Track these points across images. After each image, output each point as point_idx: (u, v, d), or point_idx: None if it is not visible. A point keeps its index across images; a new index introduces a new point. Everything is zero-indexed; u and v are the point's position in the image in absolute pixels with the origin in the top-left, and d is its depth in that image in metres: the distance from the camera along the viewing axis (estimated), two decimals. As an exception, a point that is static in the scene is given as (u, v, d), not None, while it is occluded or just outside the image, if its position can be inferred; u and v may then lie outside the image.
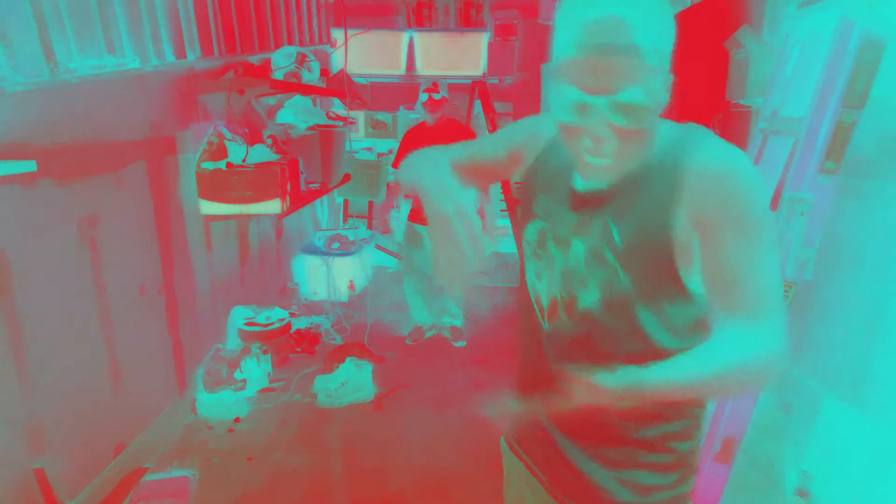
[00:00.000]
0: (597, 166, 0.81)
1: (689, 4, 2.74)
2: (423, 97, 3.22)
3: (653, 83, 0.75)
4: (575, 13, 0.75)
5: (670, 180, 0.81)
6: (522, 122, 1.09)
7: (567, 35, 0.76)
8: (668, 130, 0.85)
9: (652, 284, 0.83)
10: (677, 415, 0.91)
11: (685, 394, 0.86)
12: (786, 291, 1.61)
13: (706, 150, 0.81)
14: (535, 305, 0.96)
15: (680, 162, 0.81)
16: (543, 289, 0.94)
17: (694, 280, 0.83)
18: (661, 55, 0.76)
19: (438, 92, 3.21)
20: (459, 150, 1.12)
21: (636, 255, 0.83)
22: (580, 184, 0.90)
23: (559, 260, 0.91)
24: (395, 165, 3.47)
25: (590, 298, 0.87)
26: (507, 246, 4.88)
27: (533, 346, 0.99)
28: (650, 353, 0.84)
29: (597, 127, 0.77)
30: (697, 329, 0.87)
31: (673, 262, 0.81)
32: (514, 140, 1.07)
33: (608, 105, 0.75)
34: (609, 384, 0.77)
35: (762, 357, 0.81)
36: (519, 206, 1.01)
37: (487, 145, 1.12)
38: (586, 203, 0.88)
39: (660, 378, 0.80)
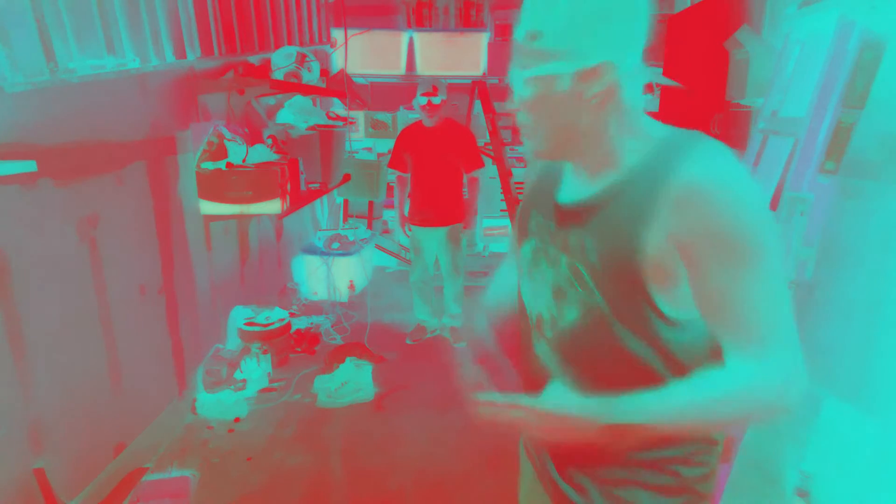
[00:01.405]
0: (526, 140, 0.85)
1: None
2: (422, 101, 3.18)
3: (557, 68, 0.76)
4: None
5: (648, 193, 0.75)
6: None
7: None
8: (661, 136, 0.80)
9: (627, 306, 0.78)
10: (679, 440, 0.85)
11: (677, 426, 0.79)
12: (786, 291, 1.61)
13: (694, 161, 0.74)
14: (533, 324, 0.94)
15: (663, 173, 0.75)
16: (535, 306, 0.92)
17: (675, 305, 0.77)
18: (561, 46, 0.76)
19: (437, 96, 3.17)
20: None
21: (608, 273, 0.79)
22: (563, 197, 0.88)
23: (549, 277, 0.88)
24: (390, 164, 3.46)
25: (570, 316, 0.85)
26: (507, 246, 4.87)
27: (527, 361, 0.97)
28: (642, 379, 0.79)
29: (516, 100, 0.82)
30: (701, 357, 0.81)
31: (643, 284, 0.76)
32: None
33: (519, 77, 0.80)
34: (570, 414, 0.74)
35: (764, 391, 0.76)
36: (518, 228, 0.99)
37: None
38: (569, 217, 0.86)
39: (639, 408, 0.75)
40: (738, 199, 0.72)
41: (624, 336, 0.80)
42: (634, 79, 0.80)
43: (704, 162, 0.74)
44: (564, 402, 0.76)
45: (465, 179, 3.41)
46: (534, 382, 0.94)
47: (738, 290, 0.73)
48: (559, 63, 0.75)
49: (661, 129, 0.81)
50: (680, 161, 0.74)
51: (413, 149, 3.31)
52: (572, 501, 0.93)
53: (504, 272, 1.15)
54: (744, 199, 0.73)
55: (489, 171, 3.77)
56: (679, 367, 0.80)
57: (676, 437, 0.84)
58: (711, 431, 0.85)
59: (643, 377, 0.80)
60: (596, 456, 0.88)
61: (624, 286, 0.78)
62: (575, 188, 0.86)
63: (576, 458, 0.92)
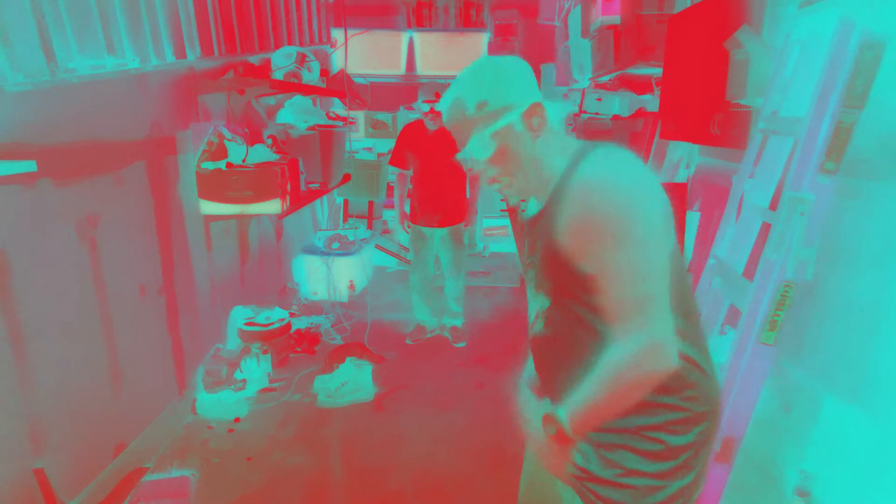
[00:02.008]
0: (497, 189, 1.06)
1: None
2: (425, 108, 3.18)
3: (509, 118, 0.99)
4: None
5: (560, 194, 0.97)
6: None
7: None
8: (575, 147, 1.00)
9: (565, 285, 1.00)
10: (649, 408, 0.98)
11: (607, 412, 0.97)
12: (786, 291, 1.61)
13: (587, 163, 0.95)
14: (530, 320, 1.14)
15: (568, 175, 0.96)
16: (532, 303, 1.13)
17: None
18: (488, 110, 0.99)
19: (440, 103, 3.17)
20: None
21: (547, 264, 1.01)
22: (528, 211, 1.09)
23: (532, 277, 1.10)
24: (391, 162, 3.46)
25: (545, 304, 1.06)
26: (507, 246, 4.88)
27: (532, 357, 1.19)
28: (597, 341, 0.96)
29: (473, 165, 1.04)
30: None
31: (570, 267, 0.95)
32: None
33: (467, 151, 1.02)
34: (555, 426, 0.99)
35: (631, 364, 0.91)
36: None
37: None
38: (531, 227, 1.07)
39: (575, 408, 0.97)
40: (612, 187, 0.91)
41: (583, 313, 0.99)
42: (551, 109, 1.03)
43: (593, 162, 0.95)
44: (537, 428, 1.04)
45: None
46: (537, 374, 1.18)
47: (608, 266, 0.91)
48: (509, 114, 0.99)
49: (577, 143, 1.02)
50: (579, 165, 0.95)
51: (416, 149, 3.31)
52: (578, 466, 1.05)
53: None
54: (618, 185, 0.91)
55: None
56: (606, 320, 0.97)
57: (645, 406, 0.97)
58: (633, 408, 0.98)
59: (589, 336, 0.99)
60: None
61: (557, 271, 0.99)
62: (533, 203, 1.07)
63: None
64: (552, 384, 1.10)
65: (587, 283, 0.95)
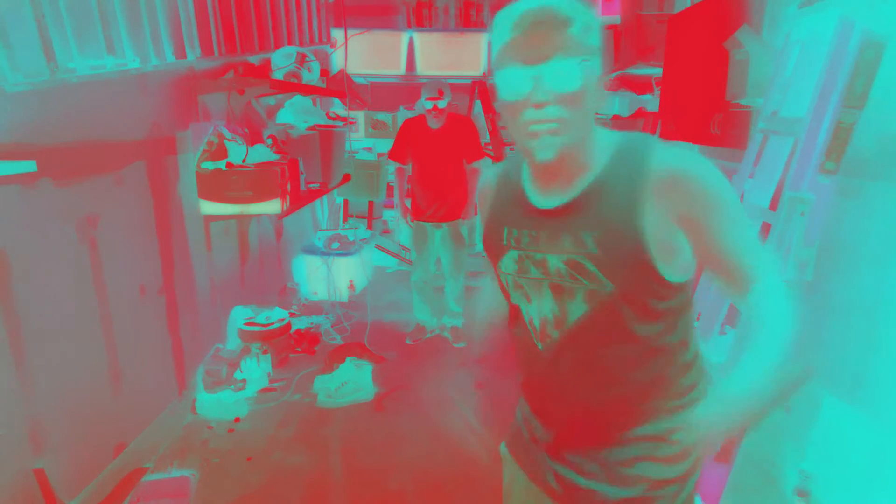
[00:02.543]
0: (542, 132, 0.83)
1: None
2: (428, 105, 3.18)
3: (581, 56, 0.81)
4: (512, 7, 0.83)
5: (632, 185, 0.86)
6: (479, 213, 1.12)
7: (505, 24, 0.82)
8: (611, 140, 0.90)
9: (634, 284, 0.88)
10: (675, 410, 0.94)
11: (775, 389, 0.93)
12: (786, 291, 1.61)
13: (660, 154, 0.87)
14: (530, 328, 0.98)
15: (637, 168, 0.86)
16: (535, 311, 0.96)
17: (676, 272, 0.88)
18: (588, 41, 0.82)
19: (443, 100, 3.17)
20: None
21: (614, 258, 0.87)
22: (541, 202, 0.93)
23: (543, 279, 0.93)
24: (391, 156, 3.46)
25: (579, 310, 0.91)
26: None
27: (530, 367, 1.02)
28: (633, 350, 0.91)
29: (537, 93, 0.81)
30: (668, 314, 0.92)
31: (650, 260, 0.86)
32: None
33: (544, 72, 0.80)
34: (718, 424, 0.84)
35: (788, 321, 0.86)
36: (489, 249, 1.03)
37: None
38: (551, 218, 0.91)
39: (747, 388, 0.85)
40: (707, 172, 0.86)
41: (630, 319, 0.89)
42: None
43: (670, 153, 0.87)
44: (718, 419, 0.85)
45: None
46: (541, 388, 1.02)
47: (729, 237, 0.87)
48: (597, 58, 0.84)
49: (610, 131, 0.92)
50: (649, 156, 0.86)
51: (417, 146, 3.31)
52: (576, 485, 0.97)
53: (485, 295, 1.20)
54: (709, 171, 0.86)
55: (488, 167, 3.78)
56: (652, 327, 0.91)
57: (664, 410, 0.93)
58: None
59: (635, 348, 0.91)
60: (597, 439, 0.97)
61: (630, 266, 0.86)
62: (549, 193, 0.92)
63: (573, 443, 0.99)
64: (567, 414, 0.98)
65: (661, 272, 0.86)
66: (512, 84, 0.83)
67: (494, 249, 1.01)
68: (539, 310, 0.95)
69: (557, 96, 0.81)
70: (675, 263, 0.88)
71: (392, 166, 3.57)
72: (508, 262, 0.97)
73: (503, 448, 1.15)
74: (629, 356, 0.91)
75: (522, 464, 1.09)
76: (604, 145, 0.89)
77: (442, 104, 3.16)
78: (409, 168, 3.43)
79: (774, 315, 0.86)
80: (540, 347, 0.97)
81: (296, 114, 3.46)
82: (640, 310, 0.89)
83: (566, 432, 0.99)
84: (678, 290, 0.91)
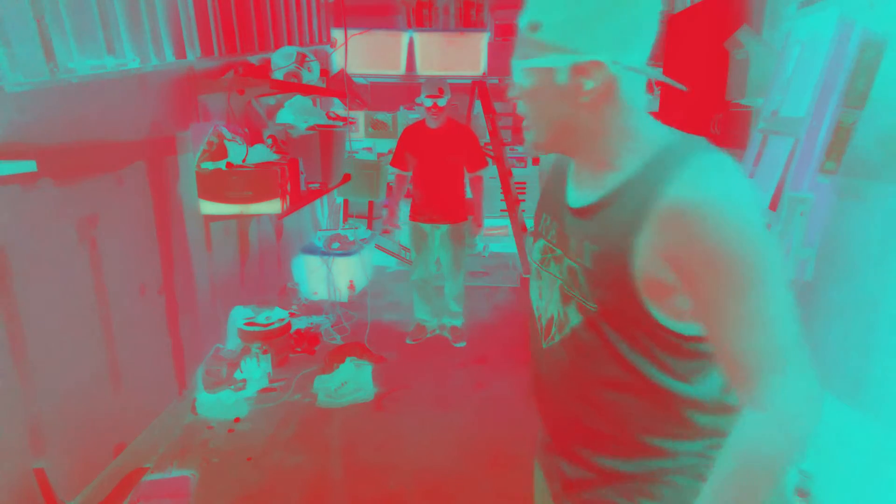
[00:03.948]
0: (525, 132, 0.84)
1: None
2: (428, 102, 3.18)
3: (554, 61, 0.76)
4: None
5: (641, 202, 0.73)
6: None
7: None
8: (657, 141, 0.77)
9: (619, 312, 0.77)
10: (665, 453, 0.83)
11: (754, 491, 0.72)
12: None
13: (686, 177, 0.71)
14: (538, 324, 0.94)
15: (656, 184, 0.73)
16: (543, 307, 0.92)
17: (674, 317, 0.76)
18: (561, 41, 0.76)
19: (444, 98, 3.17)
20: None
21: (600, 277, 0.78)
22: (573, 199, 0.87)
23: (557, 277, 0.88)
24: (392, 163, 3.46)
25: (575, 319, 0.83)
26: (507, 246, 4.88)
27: (534, 363, 0.97)
28: (622, 375, 0.80)
29: (511, 89, 0.83)
30: (669, 361, 0.79)
31: (635, 292, 0.74)
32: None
33: (514, 69, 0.81)
34: None
35: (775, 436, 0.70)
36: (534, 225, 0.99)
37: None
38: (574, 219, 0.85)
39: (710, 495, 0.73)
40: (729, 219, 0.69)
41: (617, 343, 0.79)
42: (635, 79, 0.78)
43: (696, 179, 0.70)
44: None
45: (466, 180, 3.42)
46: (541, 385, 0.96)
47: (735, 317, 0.70)
48: (556, 56, 0.75)
49: (663, 133, 0.78)
50: (673, 174, 0.71)
51: (417, 149, 3.31)
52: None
53: None
54: (737, 216, 0.69)
55: (489, 170, 3.79)
56: (677, 378, 0.79)
57: (658, 452, 0.84)
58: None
59: (639, 385, 0.80)
60: (580, 454, 0.90)
61: (614, 291, 0.76)
62: (580, 190, 0.85)
63: (563, 449, 0.94)
64: (557, 418, 0.94)
65: (651, 312, 0.74)
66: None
67: (535, 231, 0.97)
68: (547, 308, 0.90)
69: (521, 92, 0.82)
70: (671, 307, 0.75)
71: (393, 170, 3.56)
72: (537, 249, 0.93)
73: (536, 461, 1.09)
74: (616, 379, 0.81)
75: (541, 464, 1.05)
76: (644, 146, 0.77)
77: (442, 102, 3.16)
78: (410, 176, 3.44)
79: (752, 430, 0.71)
80: (544, 346, 0.92)
81: (296, 114, 3.46)
82: (629, 339, 0.78)
83: (558, 436, 0.95)
84: (683, 340, 0.76)
